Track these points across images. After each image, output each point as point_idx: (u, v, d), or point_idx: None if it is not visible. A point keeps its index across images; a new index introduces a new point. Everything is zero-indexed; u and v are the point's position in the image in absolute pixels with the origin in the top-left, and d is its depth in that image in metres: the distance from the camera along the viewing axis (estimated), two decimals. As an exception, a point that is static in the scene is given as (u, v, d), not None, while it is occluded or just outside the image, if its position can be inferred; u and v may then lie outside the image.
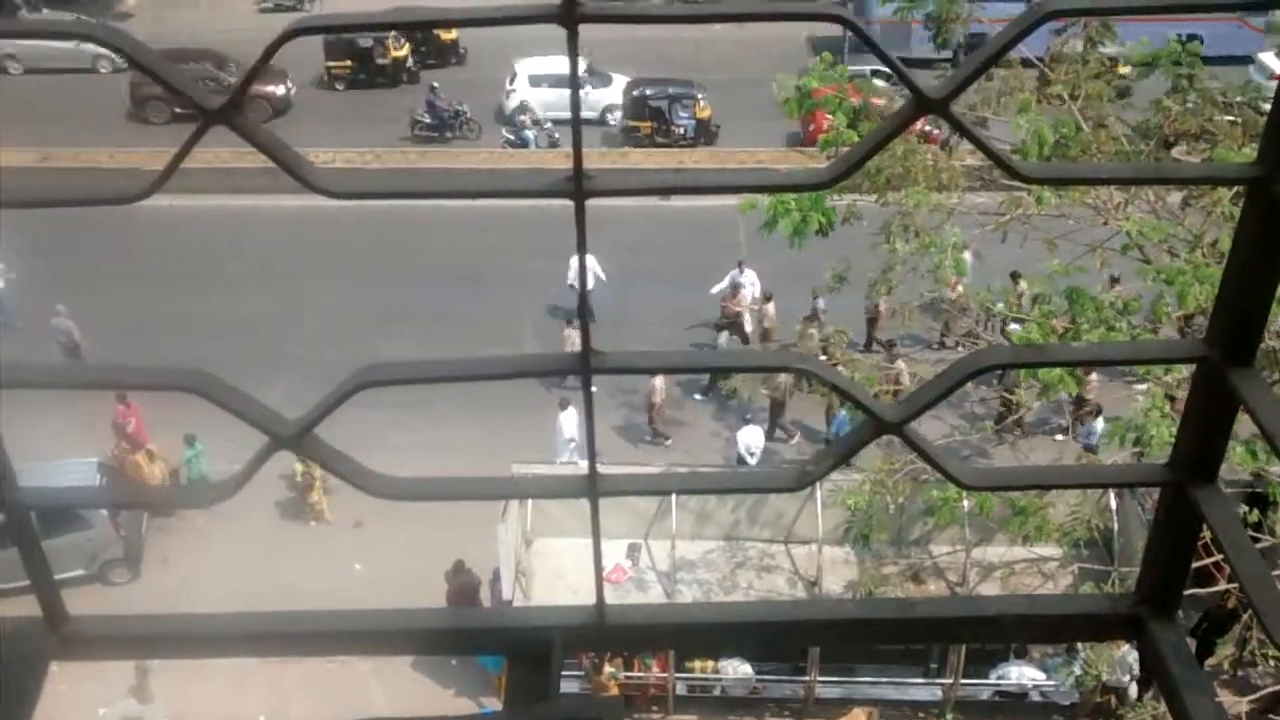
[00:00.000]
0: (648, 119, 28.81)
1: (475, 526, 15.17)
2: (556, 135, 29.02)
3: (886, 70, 1.32)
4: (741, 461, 18.67)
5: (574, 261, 22.04)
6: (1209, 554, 9.98)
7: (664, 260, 23.58)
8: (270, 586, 15.53)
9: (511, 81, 30.02)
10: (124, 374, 1.45)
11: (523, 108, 29.72)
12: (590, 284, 18.27)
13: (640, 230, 23.32)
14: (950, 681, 15.45)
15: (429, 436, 18.49)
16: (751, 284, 21.54)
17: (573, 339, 20.01)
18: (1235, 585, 10.69)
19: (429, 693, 15.96)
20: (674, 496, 14.57)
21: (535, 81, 29.56)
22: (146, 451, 18.37)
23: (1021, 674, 15.40)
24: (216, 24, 34.48)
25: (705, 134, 28.92)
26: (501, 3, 1.20)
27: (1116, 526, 14.95)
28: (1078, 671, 13.93)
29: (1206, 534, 1.55)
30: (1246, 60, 28.20)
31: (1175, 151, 13.22)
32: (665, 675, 15.45)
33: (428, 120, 29.74)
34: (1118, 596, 1.68)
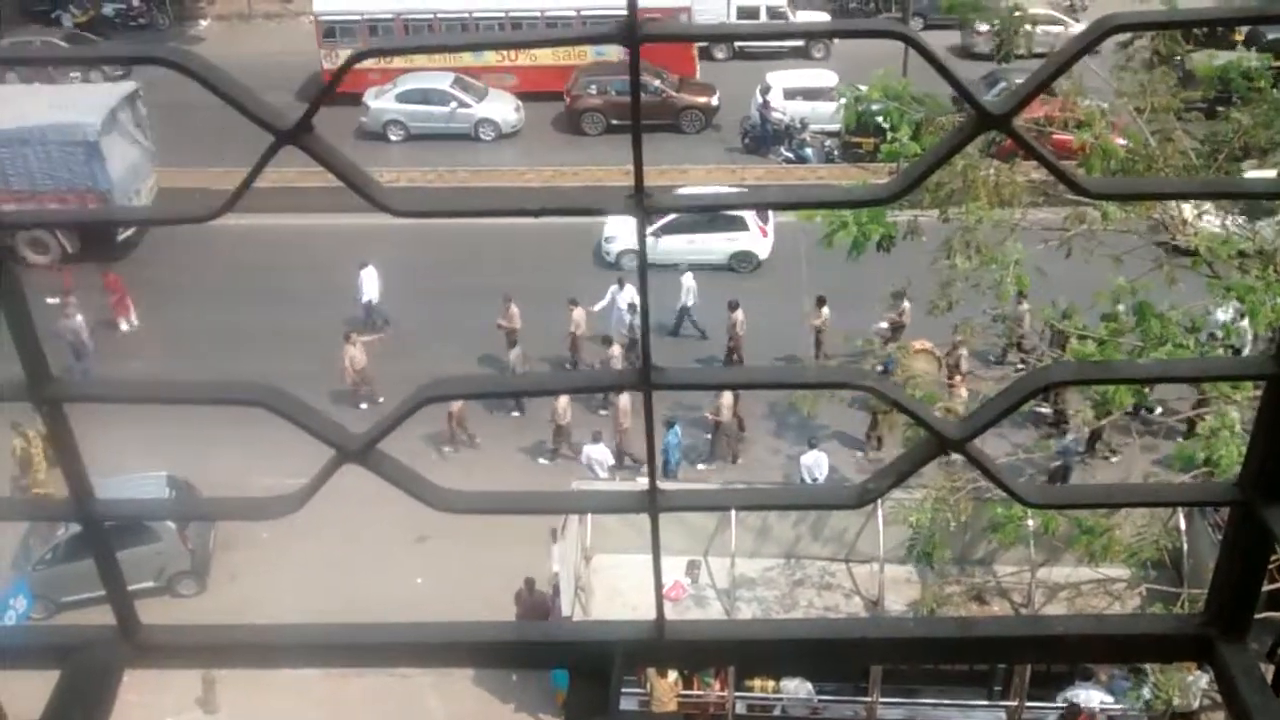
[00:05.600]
0: (871, 135, 28.58)
1: (537, 542, 15.22)
2: (836, 152, 29.13)
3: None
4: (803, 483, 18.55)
5: (364, 275, 22.39)
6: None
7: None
8: (334, 602, 15.67)
9: (765, 94, 30.09)
10: (193, 388, 1.48)
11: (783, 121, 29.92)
12: (377, 296, 18.23)
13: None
14: (1015, 704, 15.19)
15: (490, 450, 18.60)
16: (630, 301, 21.32)
17: (351, 353, 20.39)
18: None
19: (489, 707, 16.02)
20: (733, 513, 14.50)
21: (789, 94, 29.95)
22: None
23: (1089, 697, 15.08)
24: (285, 46, 35.21)
25: None
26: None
27: (1186, 547, 14.63)
28: (1147, 695, 13.61)
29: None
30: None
31: (1245, 165, 12.95)
32: (725, 694, 15.37)
33: (758, 130, 29.83)
34: (1185, 617, 1.64)
